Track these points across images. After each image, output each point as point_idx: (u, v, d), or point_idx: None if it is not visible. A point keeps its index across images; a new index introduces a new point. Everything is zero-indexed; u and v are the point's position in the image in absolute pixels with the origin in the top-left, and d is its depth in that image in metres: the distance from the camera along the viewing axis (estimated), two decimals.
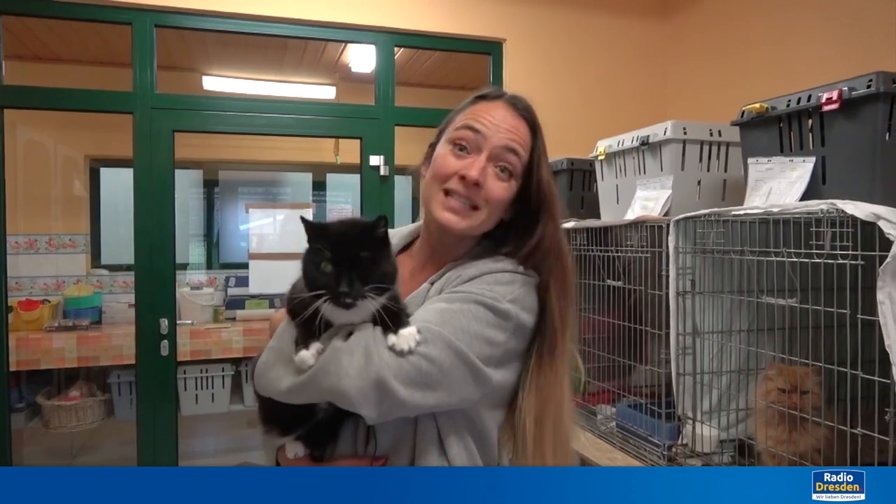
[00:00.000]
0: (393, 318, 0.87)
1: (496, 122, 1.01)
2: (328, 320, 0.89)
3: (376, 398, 0.83)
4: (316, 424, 0.96)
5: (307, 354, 0.86)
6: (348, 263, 0.85)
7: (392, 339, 0.86)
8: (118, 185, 4.30)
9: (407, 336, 0.86)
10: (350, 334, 0.88)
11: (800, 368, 1.47)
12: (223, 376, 3.95)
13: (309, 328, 0.88)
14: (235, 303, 4.08)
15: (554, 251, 1.02)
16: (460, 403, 0.92)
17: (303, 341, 0.87)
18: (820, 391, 1.44)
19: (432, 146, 1.09)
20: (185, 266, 4.58)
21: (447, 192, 1.00)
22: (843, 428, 1.29)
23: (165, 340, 2.70)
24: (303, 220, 0.88)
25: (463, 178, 0.98)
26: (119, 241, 4.18)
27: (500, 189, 1.00)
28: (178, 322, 2.87)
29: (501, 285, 0.97)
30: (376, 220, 0.89)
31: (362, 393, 0.82)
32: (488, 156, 0.99)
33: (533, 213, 1.03)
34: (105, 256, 4.41)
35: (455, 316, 0.91)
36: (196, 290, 4.23)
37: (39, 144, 4.25)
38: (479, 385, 0.92)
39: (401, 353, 0.85)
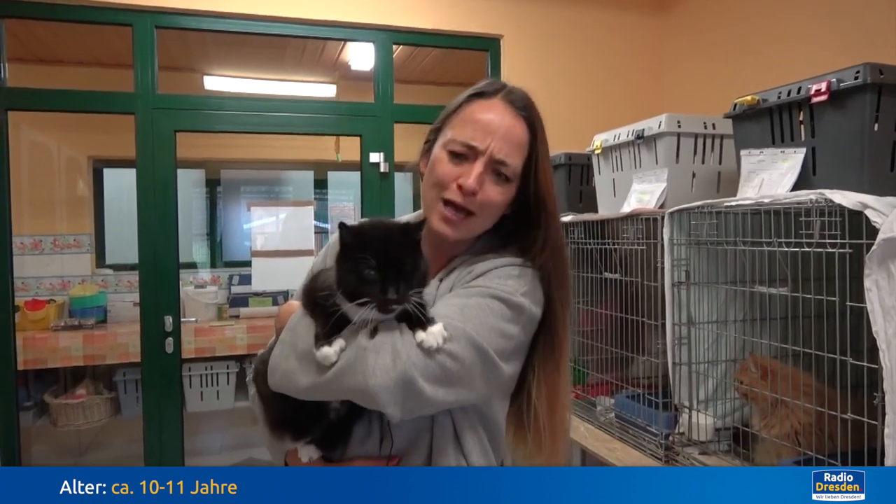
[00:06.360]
0: (418, 315, 0.87)
1: (491, 130, 0.99)
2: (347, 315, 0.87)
3: (402, 397, 0.83)
4: (328, 426, 0.95)
5: (330, 351, 0.84)
6: (394, 271, 0.84)
7: (421, 335, 0.85)
8: (121, 185, 4.34)
9: (435, 333, 0.85)
10: (375, 330, 0.86)
11: (760, 356, 1.58)
12: (228, 373, 3.98)
13: (332, 323, 0.87)
14: (239, 300, 4.11)
15: (556, 244, 1.04)
16: (478, 398, 0.94)
17: (325, 337, 0.86)
18: (786, 373, 1.50)
19: (429, 142, 1.09)
20: (188, 265, 4.62)
21: (445, 202, 1.01)
22: (834, 413, 1.31)
23: (170, 338, 2.73)
24: (342, 225, 0.87)
25: (460, 186, 0.99)
26: (123, 240, 4.22)
27: (496, 193, 1.01)
28: (182, 320, 2.90)
29: (513, 279, 0.98)
30: (415, 225, 0.89)
31: (389, 392, 0.82)
32: (485, 163, 0.99)
33: (534, 210, 1.04)
34: (109, 256, 4.46)
35: (474, 311, 0.92)
36: (200, 288, 4.27)
37: (43, 146, 4.29)
38: (494, 379, 0.94)
39: (429, 351, 0.85)
